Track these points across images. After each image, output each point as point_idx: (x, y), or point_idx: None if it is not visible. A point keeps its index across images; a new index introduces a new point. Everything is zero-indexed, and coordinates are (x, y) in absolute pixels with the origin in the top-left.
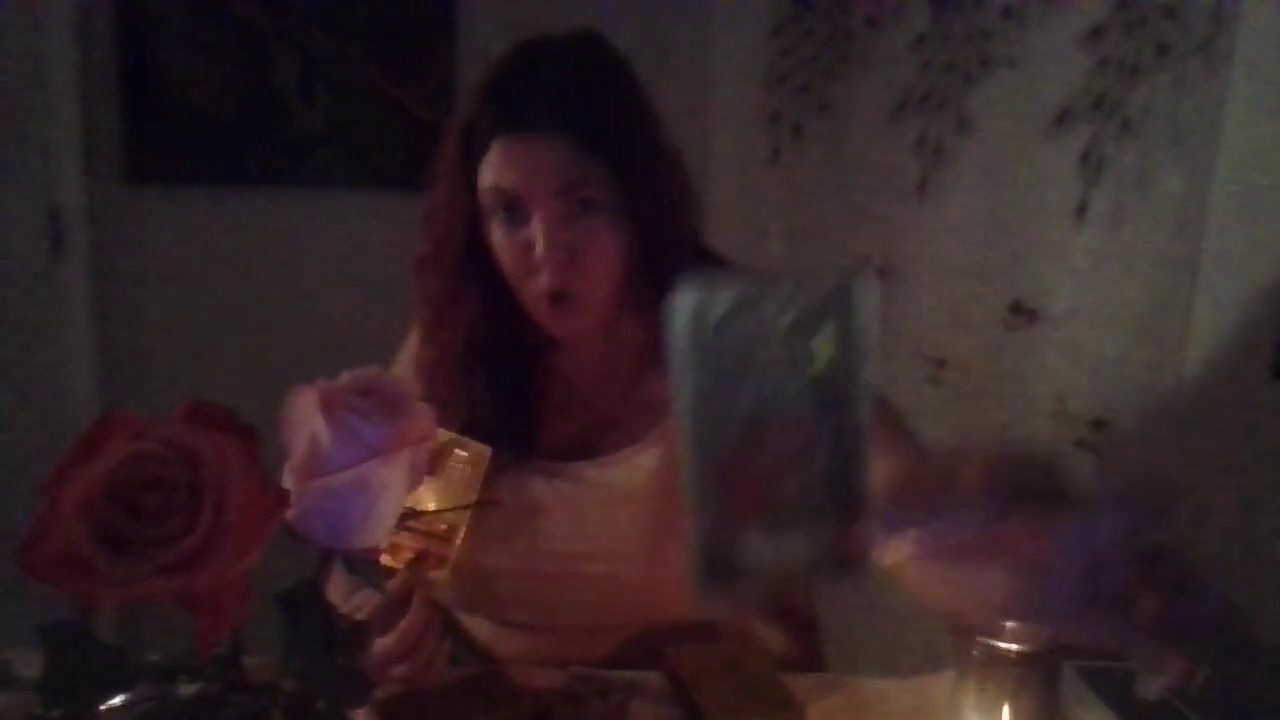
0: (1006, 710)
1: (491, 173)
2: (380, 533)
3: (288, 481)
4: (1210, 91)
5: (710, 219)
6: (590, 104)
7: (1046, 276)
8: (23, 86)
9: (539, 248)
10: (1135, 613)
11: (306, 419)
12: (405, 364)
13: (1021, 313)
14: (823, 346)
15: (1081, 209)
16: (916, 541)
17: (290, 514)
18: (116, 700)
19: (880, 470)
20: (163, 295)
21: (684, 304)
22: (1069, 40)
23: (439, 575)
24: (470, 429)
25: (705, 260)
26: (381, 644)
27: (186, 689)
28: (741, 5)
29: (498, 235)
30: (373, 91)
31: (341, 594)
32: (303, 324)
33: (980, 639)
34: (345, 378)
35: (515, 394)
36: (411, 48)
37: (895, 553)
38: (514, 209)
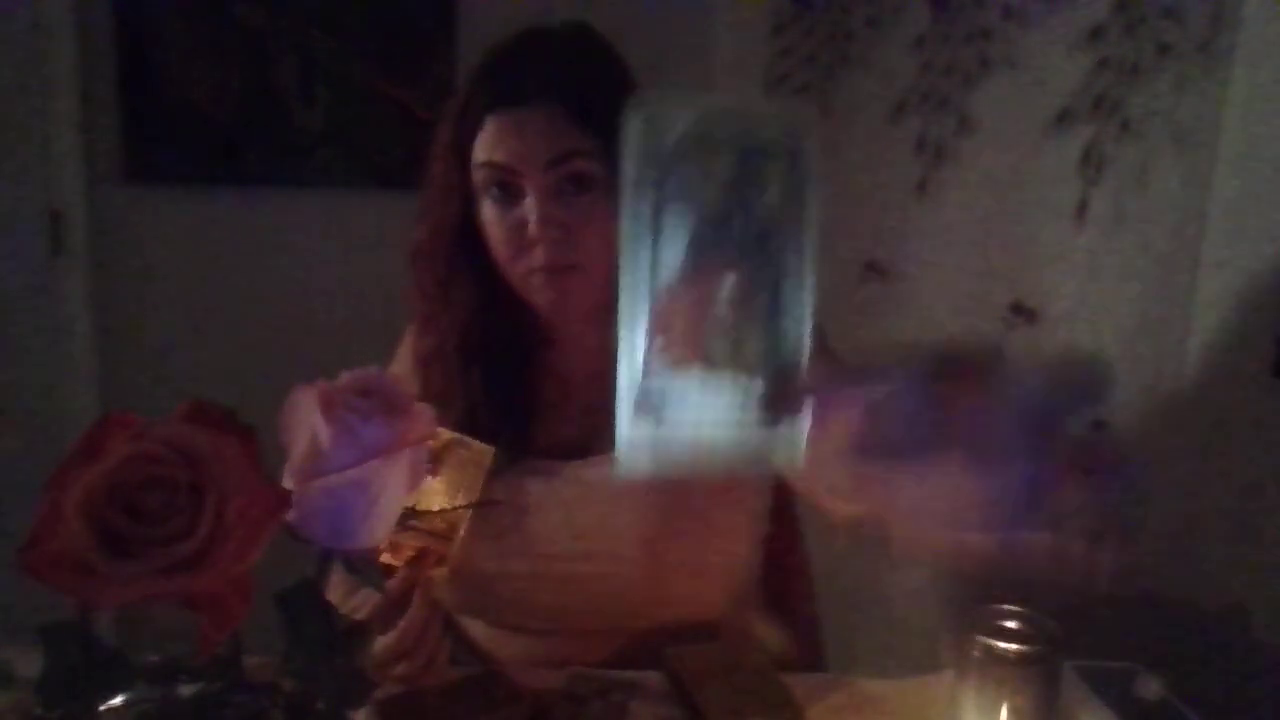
0: (1006, 710)
1: (485, 149)
2: (380, 533)
3: (288, 482)
4: (1210, 91)
5: None
6: (582, 79)
7: (1046, 276)
8: (23, 87)
9: (532, 224)
10: (1062, 498)
11: (306, 419)
12: (402, 361)
13: (1021, 313)
14: (772, 178)
15: (1081, 209)
16: (849, 399)
17: (290, 514)
18: (116, 700)
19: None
20: (163, 295)
21: (639, 116)
22: (1069, 40)
23: (439, 573)
24: (467, 425)
25: None
26: (382, 642)
27: (186, 689)
28: (741, 5)
29: (490, 215)
30: (373, 91)
31: (341, 594)
32: (302, 324)
33: (980, 639)
34: (345, 378)
35: (511, 390)
36: (411, 48)
37: (828, 405)
38: (507, 186)
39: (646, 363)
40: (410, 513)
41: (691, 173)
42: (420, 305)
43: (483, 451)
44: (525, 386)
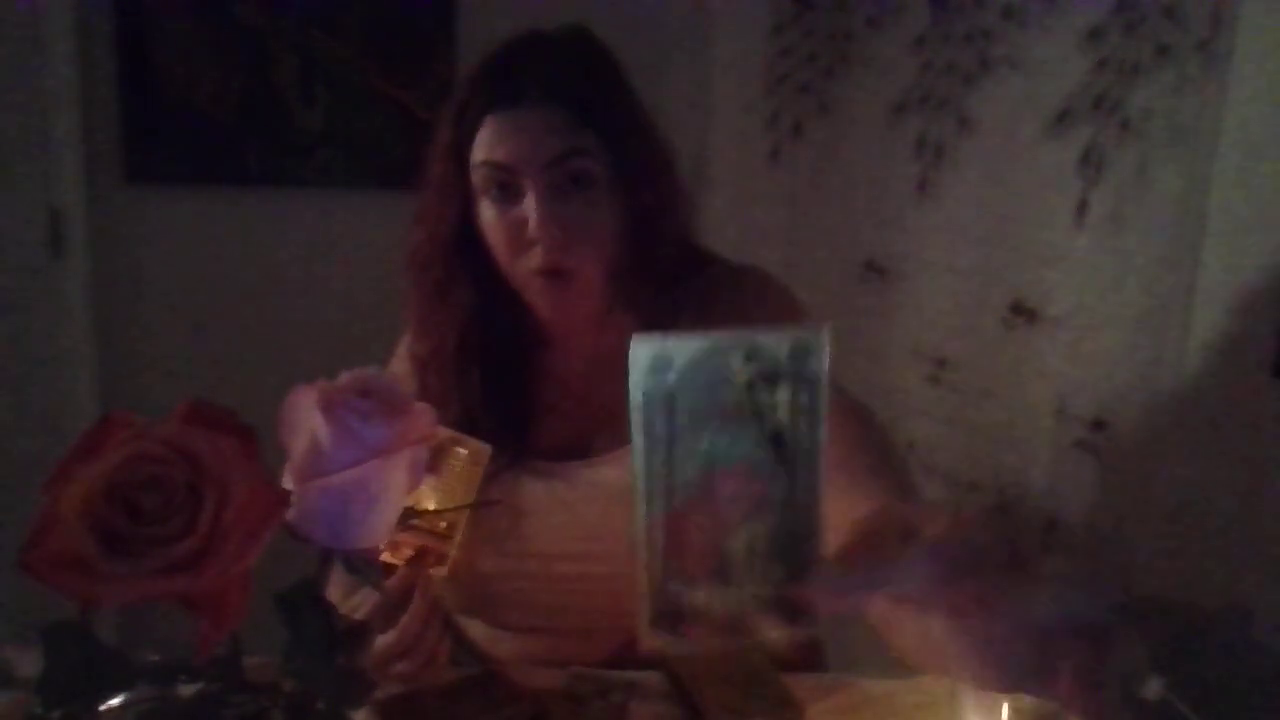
0: (1006, 710)
1: (483, 149)
2: (380, 533)
3: (288, 482)
4: (1210, 91)
5: (710, 219)
6: (579, 79)
7: (1046, 276)
8: (23, 86)
9: (532, 223)
10: (1061, 687)
11: (306, 419)
12: (401, 361)
13: (1021, 313)
14: (781, 399)
15: (1081, 209)
16: (862, 596)
17: (290, 514)
18: (116, 700)
19: (847, 509)
20: (163, 295)
21: (645, 350)
22: (1069, 40)
23: (438, 572)
24: (465, 427)
25: (697, 259)
26: (383, 640)
27: (186, 689)
28: (741, 5)
29: (489, 216)
30: (373, 91)
31: (341, 594)
32: (302, 324)
33: None
34: (345, 378)
35: (508, 392)
36: (411, 48)
37: (844, 606)
38: (506, 186)
39: (663, 577)
40: (410, 512)
41: (700, 394)
42: (417, 309)
43: (480, 449)
44: (524, 388)
